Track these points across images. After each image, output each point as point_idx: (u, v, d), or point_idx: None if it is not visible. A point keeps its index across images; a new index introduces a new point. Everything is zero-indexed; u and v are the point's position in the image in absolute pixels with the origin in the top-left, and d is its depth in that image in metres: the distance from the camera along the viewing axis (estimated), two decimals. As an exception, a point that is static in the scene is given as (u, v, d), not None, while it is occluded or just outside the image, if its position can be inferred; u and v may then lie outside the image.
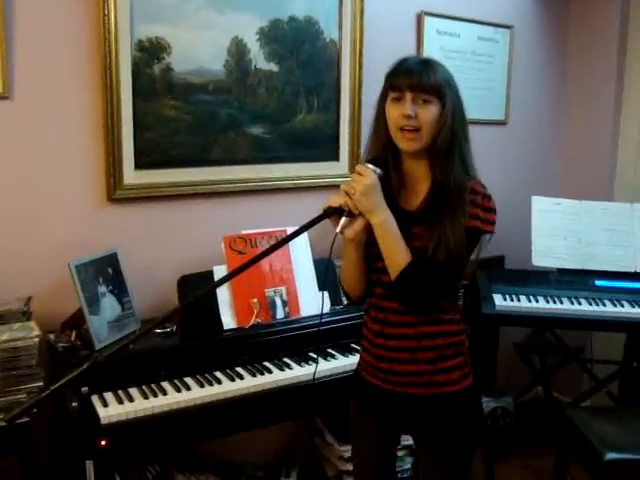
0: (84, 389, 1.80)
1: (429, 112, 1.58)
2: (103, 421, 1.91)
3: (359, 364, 1.85)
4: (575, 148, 3.75)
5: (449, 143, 1.60)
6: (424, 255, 1.57)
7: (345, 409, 1.90)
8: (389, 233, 1.59)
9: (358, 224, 1.61)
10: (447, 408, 1.68)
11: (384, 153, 1.66)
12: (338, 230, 1.60)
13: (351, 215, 1.59)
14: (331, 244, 1.64)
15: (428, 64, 1.62)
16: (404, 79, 1.59)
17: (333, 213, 1.59)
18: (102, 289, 2.23)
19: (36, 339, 1.95)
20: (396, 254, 1.59)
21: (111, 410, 1.95)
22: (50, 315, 2.26)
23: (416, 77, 1.58)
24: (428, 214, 1.61)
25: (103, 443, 1.89)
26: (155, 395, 2.05)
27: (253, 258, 1.56)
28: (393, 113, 1.61)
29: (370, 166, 1.60)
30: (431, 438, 1.70)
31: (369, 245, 1.67)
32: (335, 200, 1.59)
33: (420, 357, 1.66)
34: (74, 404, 1.80)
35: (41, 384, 1.94)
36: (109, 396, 2.03)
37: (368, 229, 1.63)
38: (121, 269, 2.31)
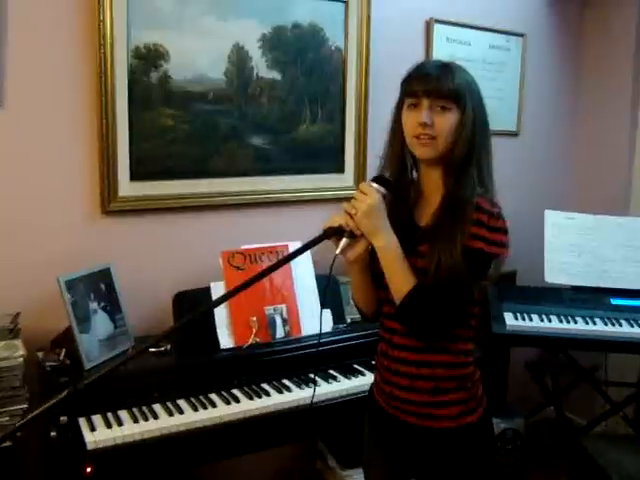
0: (63, 418, 1.70)
1: (447, 120, 1.47)
2: (89, 447, 1.82)
3: (374, 380, 1.74)
4: (590, 160, 3.63)
5: (466, 154, 1.49)
6: (426, 277, 1.46)
7: (348, 432, 1.80)
8: (392, 257, 1.49)
9: (360, 246, 1.52)
10: (445, 445, 1.57)
11: (398, 165, 1.58)
12: (338, 252, 1.50)
13: (352, 236, 1.49)
14: (330, 265, 1.54)
15: (447, 68, 1.50)
16: (420, 84, 1.48)
17: (333, 234, 1.50)
18: (94, 306, 2.14)
19: (20, 359, 1.86)
20: (399, 279, 1.49)
21: (98, 435, 1.85)
22: (39, 332, 2.16)
23: (433, 82, 1.47)
24: (433, 231, 1.50)
25: (89, 470, 1.79)
26: (146, 419, 1.96)
27: (250, 280, 1.46)
28: (409, 121, 1.51)
29: (375, 185, 1.50)
30: (430, 476, 1.61)
31: (376, 261, 1.56)
32: (335, 220, 1.49)
33: (419, 386, 1.56)
34: (52, 434, 1.70)
35: (25, 406, 1.86)
36: (97, 419, 1.94)
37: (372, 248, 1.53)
38: (115, 285, 2.22)
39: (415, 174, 1.61)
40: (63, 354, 2.10)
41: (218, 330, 2.27)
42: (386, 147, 1.62)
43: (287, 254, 1.54)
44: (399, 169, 1.58)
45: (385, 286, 1.55)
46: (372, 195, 1.47)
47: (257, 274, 1.47)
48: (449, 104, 1.47)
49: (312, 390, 2.11)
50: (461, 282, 1.45)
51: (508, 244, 1.50)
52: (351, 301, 1.81)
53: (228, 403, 2.07)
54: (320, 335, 1.88)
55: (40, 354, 2.10)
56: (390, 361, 1.60)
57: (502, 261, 1.50)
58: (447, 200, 1.51)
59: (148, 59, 2.28)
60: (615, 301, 2.88)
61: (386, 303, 1.60)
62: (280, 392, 2.16)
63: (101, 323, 2.15)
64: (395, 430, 1.62)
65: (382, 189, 1.50)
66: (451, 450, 1.57)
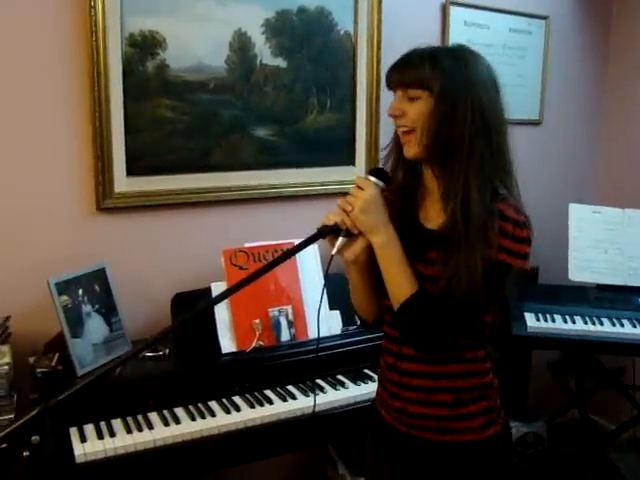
0: (35, 438, 1.58)
1: (415, 109, 1.36)
2: (78, 459, 1.73)
3: (376, 395, 1.62)
4: (617, 151, 3.47)
5: (447, 146, 1.34)
6: (435, 286, 1.33)
7: (357, 440, 1.68)
8: (391, 256, 1.37)
9: (359, 245, 1.40)
10: (466, 459, 1.45)
11: (399, 162, 1.47)
12: (334, 252, 1.39)
13: (349, 235, 1.38)
14: (327, 267, 1.42)
15: (421, 56, 1.36)
16: (391, 76, 1.42)
17: (328, 232, 1.38)
18: (87, 308, 2.04)
19: (6, 367, 1.76)
20: (399, 281, 1.36)
21: (88, 447, 1.76)
22: (32, 336, 2.08)
23: (398, 72, 1.39)
24: (445, 238, 1.35)
25: (77, 486, 1.69)
26: (140, 429, 1.86)
27: (249, 276, 1.34)
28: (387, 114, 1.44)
29: (372, 178, 1.39)
30: None
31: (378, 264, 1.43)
32: (330, 218, 1.38)
33: (437, 399, 1.43)
34: (25, 454, 1.59)
35: (12, 416, 1.75)
36: (89, 429, 1.85)
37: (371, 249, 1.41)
38: (110, 286, 2.12)
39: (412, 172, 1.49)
40: (56, 359, 2.00)
41: (219, 333, 2.16)
42: (389, 143, 1.51)
43: (276, 257, 1.41)
44: (403, 166, 1.46)
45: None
46: (369, 189, 1.36)
47: (253, 273, 1.35)
48: (417, 92, 1.35)
49: (318, 397, 2.01)
50: (474, 296, 1.31)
51: (530, 255, 1.36)
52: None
53: (228, 412, 1.96)
54: (318, 340, 1.81)
55: (32, 359, 2.01)
56: (399, 374, 1.47)
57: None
58: (454, 207, 1.35)
59: (144, 47, 2.17)
60: (644, 301, 2.73)
61: (391, 311, 1.46)
62: (284, 400, 2.04)
63: (95, 326, 2.05)
64: (408, 447, 1.49)
65: (380, 182, 1.39)
66: (475, 463, 1.46)
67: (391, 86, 1.42)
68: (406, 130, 1.38)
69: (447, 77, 1.33)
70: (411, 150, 1.39)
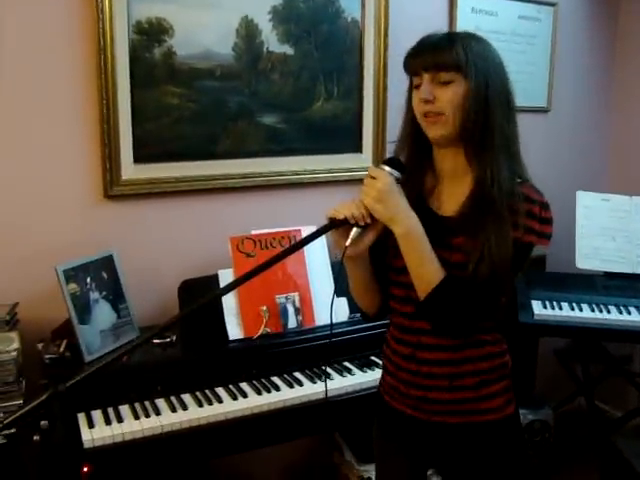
0: (43, 423, 1.60)
1: (449, 93, 1.34)
2: (86, 445, 1.74)
3: (381, 385, 1.62)
4: (625, 138, 3.45)
5: (483, 128, 1.34)
6: (463, 271, 1.32)
7: (364, 427, 1.69)
8: (417, 245, 1.34)
9: (369, 238, 1.39)
10: (487, 438, 1.47)
11: (411, 149, 1.45)
12: (348, 243, 1.37)
13: (362, 226, 1.36)
14: (341, 258, 1.42)
15: (448, 38, 1.37)
16: (418, 60, 1.38)
17: (340, 224, 1.36)
18: (95, 295, 2.04)
19: (14, 353, 1.77)
20: (426, 270, 1.35)
21: (96, 432, 1.77)
22: (40, 322, 2.08)
23: (429, 55, 1.35)
24: (470, 222, 1.35)
25: (86, 470, 1.69)
26: (147, 415, 1.87)
27: (258, 267, 1.34)
28: (415, 100, 1.40)
29: (386, 168, 1.37)
30: (465, 472, 1.50)
31: (393, 256, 1.43)
32: (340, 212, 1.35)
33: (461, 384, 1.44)
34: (35, 438, 1.60)
35: (20, 402, 1.77)
36: (97, 415, 1.86)
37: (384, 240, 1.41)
38: (118, 273, 2.13)
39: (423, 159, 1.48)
40: (64, 346, 2.01)
41: (227, 320, 2.16)
42: (400, 130, 1.49)
43: (286, 248, 1.40)
44: (413, 153, 1.45)
45: (404, 284, 1.42)
46: (382, 178, 1.34)
47: (263, 263, 1.34)
48: (450, 76, 1.34)
49: (325, 384, 2.01)
50: (503, 278, 1.33)
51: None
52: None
53: (235, 398, 1.96)
54: (332, 326, 1.76)
55: (40, 345, 2.02)
56: (417, 364, 1.46)
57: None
58: (482, 187, 1.35)
59: (150, 34, 2.16)
60: (652, 289, 2.71)
61: (407, 303, 1.45)
62: (291, 386, 2.05)
63: (103, 313, 2.06)
64: (425, 431, 1.49)
65: (395, 172, 1.37)
66: (493, 443, 1.48)
67: (416, 70, 1.38)
68: (435, 114, 1.36)
69: (479, 60, 1.34)
70: (439, 131, 1.37)
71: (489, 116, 1.34)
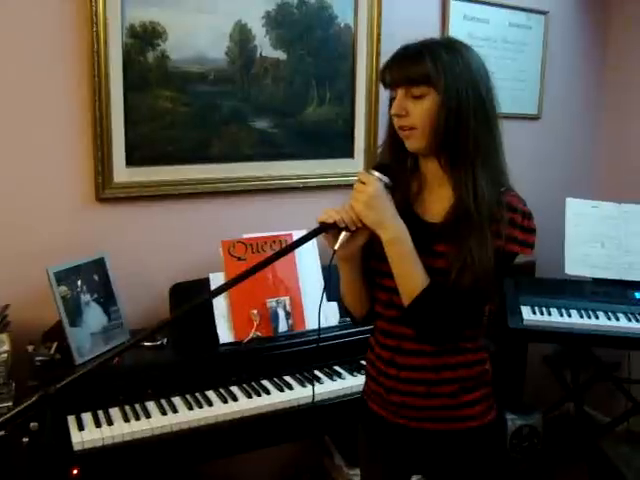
0: (33, 425, 1.60)
1: (421, 106, 1.34)
2: (76, 447, 1.74)
3: (364, 391, 1.63)
4: (614, 145, 3.47)
5: (456, 140, 1.34)
6: (446, 278, 1.33)
7: (354, 431, 1.68)
8: (403, 251, 1.35)
9: (359, 241, 1.41)
10: (468, 445, 1.47)
11: (394, 156, 1.46)
12: (336, 247, 1.38)
13: (350, 230, 1.37)
14: (330, 260, 1.43)
15: (418, 52, 1.35)
16: (389, 74, 1.38)
17: (330, 228, 1.37)
18: (86, 298, 2.04)
19: (4, 355, 1.77)
20: (411, 276, 1.35)
21: (85, 435, 1.77)
22: (30, 325, 2.08)
23: (399, 70, 1.36)
24: (453, 232, 1.36)
25: (75, 472, 1.71)
26: (137, 417, 1.87)
27: (249, 270, 1.33)
28: (391, 113, 1.41)
29: (375, 173, 1.38)
30: (447, 479, 1.51)
31: (378, 260, 1.44)
32: (330, 216, 1.36)
33: (439, 391, 1.44)
34: (25, 439, 1.60)
35: (9, 404, 1.76)
36: (87, 417, 1.86)
37: (371, 243, 1.41)
38: (109, 275, 2.13)
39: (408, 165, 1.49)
40: (54, 348, 2.01)
41: (217, 323, 2.16)
42: (385, 136, 1.50)
43: (277, 250, 1.40)
44: (395, 160, 1.45)
45: (388, 288, 1.43)
46: (372, 184, 1.35)
47: (253, 266, 1.34)
48: (421, 90, 1.34)
49: (312, 388, 2.01)
50: (486, 287, 1.33)
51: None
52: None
53: (225, 402, 1.97)
54: (319, 331, 1.75)
55: (30, 348, 2.01)
56: (397, 369, 1.47)
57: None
58: (462, 201, 1.36)
59: (144, 38, 2.17)
60: (640, 295, 2.73)
61: (389, 307, 1.46)
62: (281, 390, 2.05)
63: (94, 316, 2.06)
64: (405, 439, 1.51)
65: (384, 177, 1.38)
66: (474, 450, 1.48)
67: (390, 84, 1.39)
68: (408, 128, 1.37)
69: (449, 72, 1.33)
70: (415, 144, 1.39)
71: (461, 128, 1.33)
